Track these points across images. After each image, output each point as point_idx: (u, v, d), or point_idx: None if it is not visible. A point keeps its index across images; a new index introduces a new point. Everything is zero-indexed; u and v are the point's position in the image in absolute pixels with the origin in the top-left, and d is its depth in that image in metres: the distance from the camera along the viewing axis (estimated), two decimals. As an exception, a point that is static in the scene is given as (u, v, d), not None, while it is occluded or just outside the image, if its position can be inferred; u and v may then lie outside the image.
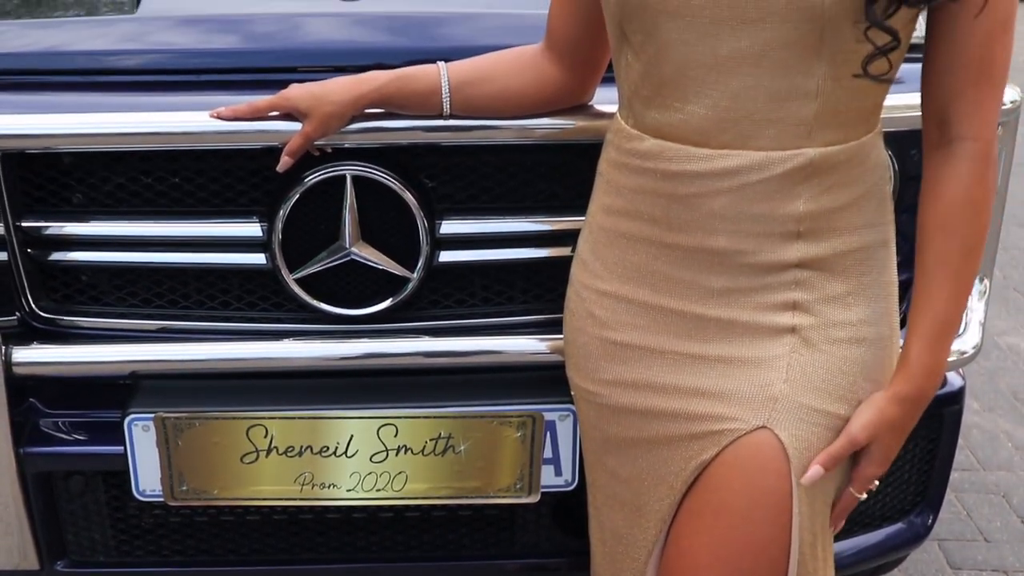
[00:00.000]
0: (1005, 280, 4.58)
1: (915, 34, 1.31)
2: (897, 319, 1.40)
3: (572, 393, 1.54)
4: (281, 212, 1.72)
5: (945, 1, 1.23)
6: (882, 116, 1.39)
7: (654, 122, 1.33)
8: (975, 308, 1.90)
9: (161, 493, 1.76)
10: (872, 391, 1.36)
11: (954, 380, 1.96)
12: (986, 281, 1.92)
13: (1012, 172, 1.96)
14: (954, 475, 2.68)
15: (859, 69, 1.23)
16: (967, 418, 2.99)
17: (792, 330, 1.33)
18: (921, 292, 1.33)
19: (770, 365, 1.33)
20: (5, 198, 1.73)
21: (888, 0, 1.20)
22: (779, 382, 1.32)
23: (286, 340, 1.78)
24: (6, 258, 1.77)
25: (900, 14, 1.22)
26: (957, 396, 1.97)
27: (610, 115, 1.59)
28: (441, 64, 1.59)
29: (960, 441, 2.68)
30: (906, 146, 1.78)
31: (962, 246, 1.32)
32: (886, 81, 1.28)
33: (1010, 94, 1.79)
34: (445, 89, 1.57)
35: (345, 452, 1.76)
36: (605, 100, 1.62)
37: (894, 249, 1.40)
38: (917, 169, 1.80)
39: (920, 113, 1.37)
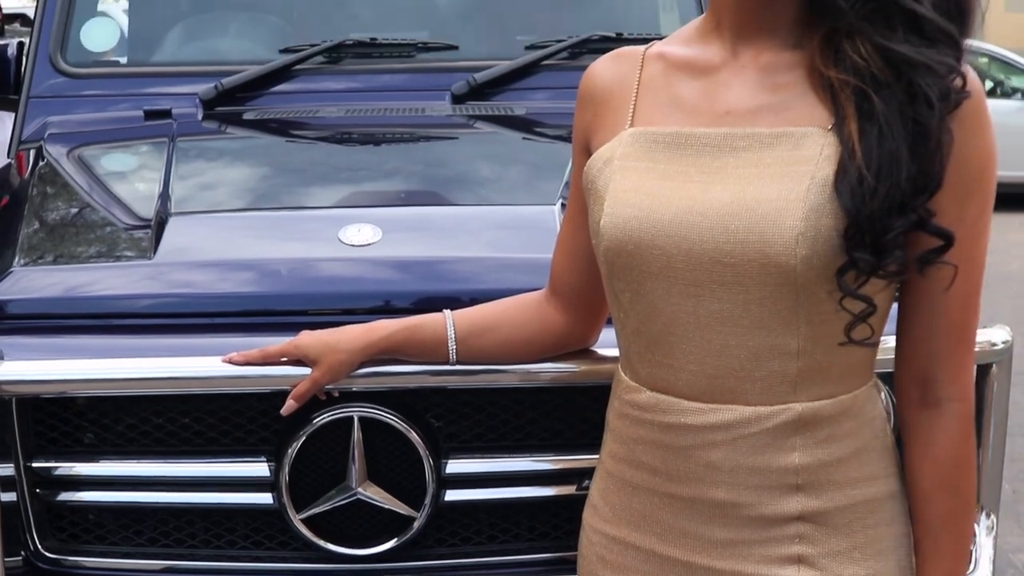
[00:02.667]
0: (1015, 494, 4.53)
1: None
2: (912, 570, 1.38)
3: None
4: (289, 453, 1.74)
5: (912, 275, 1.25)
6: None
7: (649, 376, 1.36)
8: (984, 544, 1.89)
9: None
10: None
11: (966, 617, 1.93)
12: (992, 517, 1.91)
13: (1013, 383, 1.98)
14: None
15: (839, 331, 1.25)
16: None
17: None
18: (930, 553, 1.35)
19: None
20: (17, 441, 1.76)
21: (856, 272, 1.22)
22: None
23: (290, 582, 1.77)
24: (15, 499, 1.79)
25: (874, 282, 1.24)
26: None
27: (612, 359, 1.63)
28: (447, 313, 1.63)
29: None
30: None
31: (964, 503, 1.35)
32: (871, 345, 1.30)
33: (1001, 335, 1.84)
34: (451, 340, 1.61)
35: None
36: (609, 343, 1.65)
37: (904, 500, 1.38)
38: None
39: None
